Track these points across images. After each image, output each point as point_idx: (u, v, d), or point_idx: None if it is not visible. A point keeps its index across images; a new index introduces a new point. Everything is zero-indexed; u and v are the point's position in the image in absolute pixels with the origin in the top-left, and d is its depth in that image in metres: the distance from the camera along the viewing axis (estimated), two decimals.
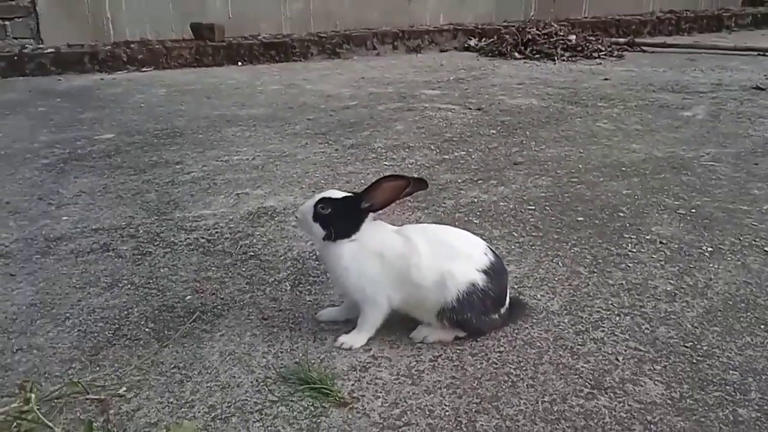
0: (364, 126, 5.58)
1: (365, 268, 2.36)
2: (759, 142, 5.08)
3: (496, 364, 2.34)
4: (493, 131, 5.40)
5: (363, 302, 2.41)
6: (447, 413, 2.09)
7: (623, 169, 4.45)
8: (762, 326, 2.56)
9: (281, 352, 2.41)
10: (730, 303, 2.73)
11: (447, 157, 4.72)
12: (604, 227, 3.49)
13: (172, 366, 2.34)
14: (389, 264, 2.36)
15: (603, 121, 5.71)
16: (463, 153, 4.81)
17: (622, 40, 9.79)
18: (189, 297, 2.82)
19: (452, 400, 2.15)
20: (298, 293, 2.84)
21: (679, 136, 5.26)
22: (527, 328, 2.56)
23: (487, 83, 7.36)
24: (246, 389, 2.21)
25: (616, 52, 9.25)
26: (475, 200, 3.88)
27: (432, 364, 2.34)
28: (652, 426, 2.02)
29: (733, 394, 2.17)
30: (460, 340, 2.46)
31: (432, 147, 4.97)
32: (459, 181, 4.22)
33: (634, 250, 3.22)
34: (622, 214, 3.66)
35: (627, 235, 3.39)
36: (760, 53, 9.20)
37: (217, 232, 3.48)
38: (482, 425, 2.03)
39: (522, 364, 2.34)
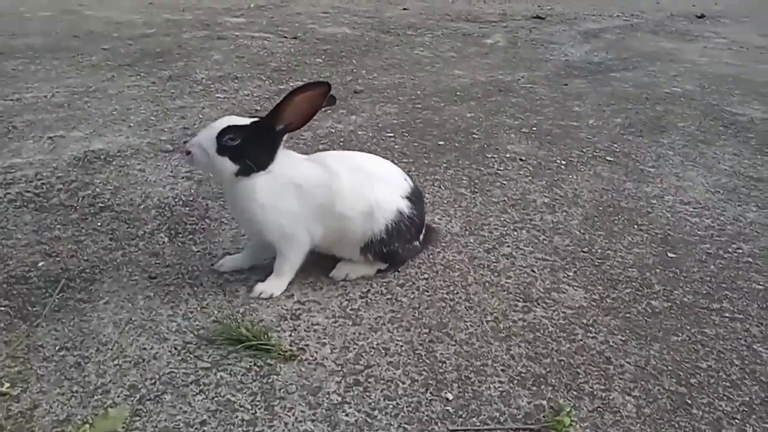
0: (175, 56, 4.98)
1: (283, 203, 2.07)
2: (558, 65, 5.53)
3: (428, 291, 2.25)
4: (319, 60, 5.16)
5: (281, 242, 2.13)
6: (402, 348, 1.96)
7: (457, 93, 4.55)
8: (635, 227, 2.80)
9: (190, 313, 2.06)
10: (600, 209, 2.95)
11: (282, 87, 4.41)
12: (465, 149, 3.54)
13: (57, 348, 1.88)
14: (309, 195, 2.09)
15: (419, 49, 5.77)
16: (298, 83, 4.52)
17: None
18: (42, 263, 2.28)
19: (401, 334, 2.02)
20: (180, 244, 2.45)
21: (491, 62, 5.52)
22: (440, 252, 2.50)
23: (291, 11, 7.01)
24: (167, 360, 1.85)
25: None
26: (332, 130, 3.69)
27: (364, 300, 2.18)
28: (590, 328, 2.11)
29: (640, 289, 2.35)
30: (382, 272, 2.32)
31: (261, 77, 4.60)
32: None
33: (501, 168, 3.31)
34: (476, 136, 3.74)
35: (489, 155, 3.48)
36: None
37: (44, 184, 2.85)
38: (442, 354, 1.95)
39: (451, 287, 2.28)
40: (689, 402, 1.81)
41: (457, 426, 1.69)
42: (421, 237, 2.37)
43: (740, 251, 2.64)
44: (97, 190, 2.82)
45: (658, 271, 2.47)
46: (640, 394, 1.83)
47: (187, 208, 2.70)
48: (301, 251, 2.16)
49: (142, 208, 2.69)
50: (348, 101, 4.21)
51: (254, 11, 6.87)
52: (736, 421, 1.76)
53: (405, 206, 2.20)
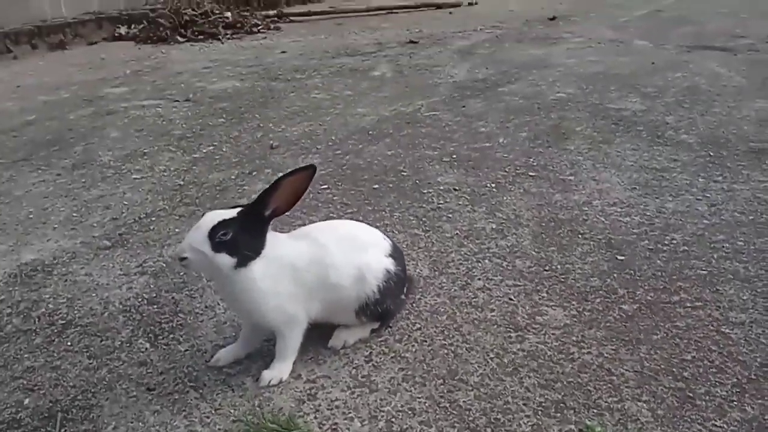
0: (69, 141, 4.74)
1: (282, 286, 2.09)
2: (449, 87, 5.81)
3: (426, 341, 2.34)
4: (221, 120, 5.11)
5: (282, 325, 2.14)
6: (426, 405, 2.03)
7: (369, 132, 4.67)
8: (579, 236, 3.04)
9: (206, 418, 2.02)
10: (543, 225, 3.17)
11: (197, 156, 4.34)
12: (400, 188, 3.66)
13: None
14: (304, 273, 2.13)
15: (315, 92, 5.85)
16: (211, 148, 4.47)
17: (272, 12, 10.02)
18: (27, 400, 2.13)
19: (419, 390, 2.09)
20: (164, 347, 2.37)
21: (387, 94, 5.70)
22: (420, 298, 2.60)
23: (171, 71, 6.85)
24: None
25: (272, 26, 9.44)
26: None
27: (370, 364, 2.23)
28: (582, 344, 2.28)
29: (608, 296, 2.56)
30: (376, 331, 2.38)
31: (170, 148, 4.49)
32: (232, 177, 3.93)
33: (441, 202, 3.47)
34: (405, 173, 3.88)
35: (425, 191, 3.62)
36: (389, 11, 10.40)
37: None
38: (464, 401, 2.04)
39: (445, 332, 2.38)
40: (690, 395, 2.02)
41: None
42: (405, 290, 2.45)
43: (675, 241, 2.94)
44: (50, 306, 2.66)
45: (615, 275, 2.70)
46: (648, 398, 2.02)
47: (155, 306, 2.62)
48: (301, 330, 2.19)
49: (107, 316, 2.57)
50: (269, 159, 4.21)
51: (133, 77, 6.66)
52: (734, 403, 1.98)
53: (391, 264, 2.28)
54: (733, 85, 5.45)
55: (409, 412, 2.00)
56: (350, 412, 2.01)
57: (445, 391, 2.08)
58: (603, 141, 4.26)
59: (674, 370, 2.13)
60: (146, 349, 2.36)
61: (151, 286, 2.77)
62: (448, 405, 2.02)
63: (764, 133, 4.25)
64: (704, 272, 2.68)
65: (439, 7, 10.78)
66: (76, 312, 2.61)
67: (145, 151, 4.47)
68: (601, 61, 6.55)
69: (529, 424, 1.93)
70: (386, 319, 2.37)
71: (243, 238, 2.01)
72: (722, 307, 2.45)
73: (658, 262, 2.78)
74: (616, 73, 5.97)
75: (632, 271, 2.72)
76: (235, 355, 2.27)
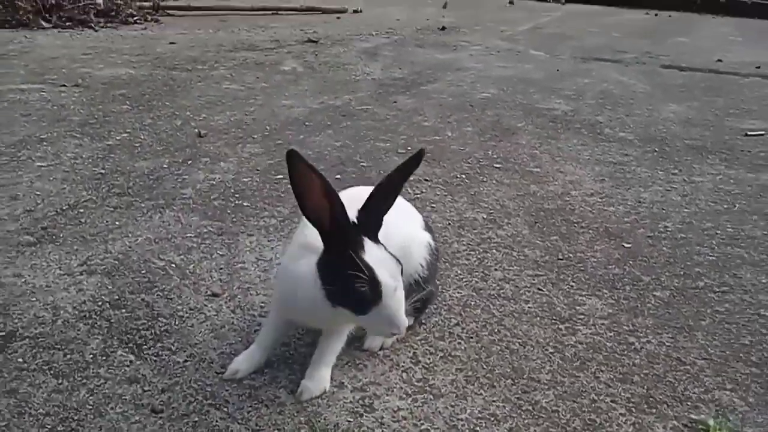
0: None
1: None
2: (371, 84, 5.56)
3: (472, 337, 2.05)
4: (126, 106, 4.46)
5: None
6: (506, 409, 1.74)
7: (306, 123, 4.29)
8: (575, 226, 2.91)
9: None
10: (533, 215, 3.01)
11: (111, 143, 3.70)
12: (366, 179, 3.33)
13: None
14: None
15: (225, 84, 5.33)
16: (126, 135, 3.85)
17: (147, 3, 9.17)
18: None
19: (490, 393, 1.80)
20: (153, 359, 1.87)
21: (306, 88, 5.32)
22: (443, 291, 2.30)
23: (43, 56, 5.95)
24: None
25: (149, 17, 8.64)
26: (212, 182, 3.19)
27: (421, 367, 1.90)
28: (637, 333, 2.12)
29: (635, 284, 2.43)
30: (410, 329, 2.04)
31: (75, 135, 3.81)
32: (164, 166, 3.38)
33: (418, 192, 3.22)
34: (364, 164, 3.57)
35: None
36: (274, 12, 9.97)
37: None
38: (546, 402, 1.78)
39: (488, 326, 2.11)
40: None
41: None
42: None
43: (669, 229, 2.90)
44: None
45: (631, 263, 2.58)
46: (733, 386, 1.88)
47: (123, 311, 2.08)
48: (348, 329, 1.80)
49: (61, 325, 2.00)
50: (201, 147, 3.69)
51: None
52: None
53: (430, 238, 1.99)
54: (641, 91, 5.72)
55: (491, 419, 1.69)
56: (422, 423, 1.66)
57: (520, 391, 1.80)
58: (549, 137, 4.22)
59: (741, 355, 2.02)
60: (131, 362, 1.84)
61: (109, 287, 2.22)
62: (531, 408, 1.74)
63: (692, 133, 4.44)
64: (713, 258, 2.65)
65: (324, 12, 10.51)
66: (16, 321, 2.00)
67: (42, 137, 3.74)
68: (508, 66, 6.64)
69: (629, 423, 1.71)
70: (422, 309, 2.04)
71: None
72: (749, 291, 2.40)
73: (665, 249, 2.71)
74: (529, 78, 6.06)
75: (645, 258, 2.61)
76: (255, 363, 1.82)
